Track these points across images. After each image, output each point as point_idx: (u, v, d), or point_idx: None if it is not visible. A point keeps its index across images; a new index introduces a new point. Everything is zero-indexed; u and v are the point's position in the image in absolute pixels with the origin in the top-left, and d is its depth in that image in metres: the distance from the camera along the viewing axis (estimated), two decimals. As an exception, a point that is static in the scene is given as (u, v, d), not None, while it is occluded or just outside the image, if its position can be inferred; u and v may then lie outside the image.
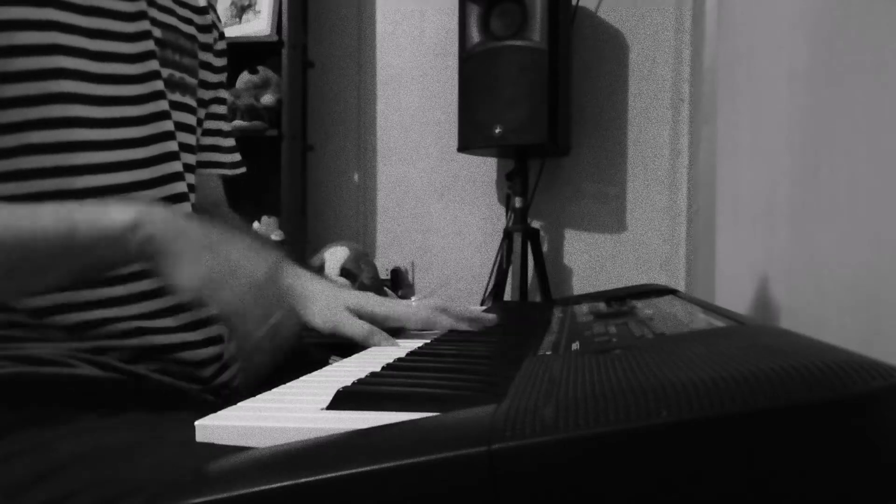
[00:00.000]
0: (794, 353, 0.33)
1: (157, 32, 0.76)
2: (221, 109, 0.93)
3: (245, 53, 2.25)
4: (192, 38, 0.84)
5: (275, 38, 2.29)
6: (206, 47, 0.88)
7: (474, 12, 2.11)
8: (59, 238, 0.58)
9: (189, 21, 0.84)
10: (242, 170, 0.97)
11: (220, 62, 0.92)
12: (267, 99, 2.29)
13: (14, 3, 0.63)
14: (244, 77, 2.28)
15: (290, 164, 2.32)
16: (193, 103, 0.83)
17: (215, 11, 0.91)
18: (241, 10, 2.36)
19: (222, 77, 0.93)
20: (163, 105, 0.75)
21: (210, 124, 0.91)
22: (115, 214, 0.59)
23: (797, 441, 0.27)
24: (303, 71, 2.43)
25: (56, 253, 0.59)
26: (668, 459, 0.28)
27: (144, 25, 0.74)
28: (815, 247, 0.89)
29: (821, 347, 0.34)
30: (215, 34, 0.90)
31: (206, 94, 0.89)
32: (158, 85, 0.75)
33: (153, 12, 0.77)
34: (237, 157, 0.96)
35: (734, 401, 0.28)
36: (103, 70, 0.70)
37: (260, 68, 2.30)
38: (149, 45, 0.74)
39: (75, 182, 0.66)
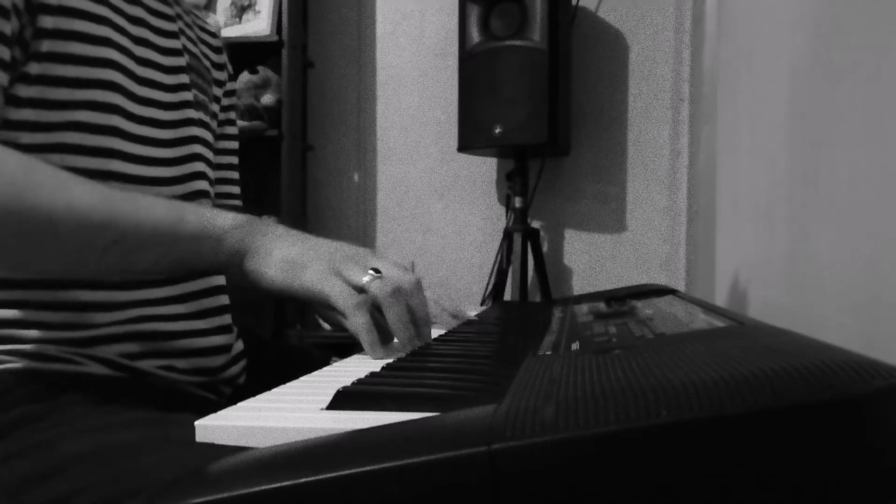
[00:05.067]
0: (794, 353, 0.33)
1: (186, 56, 0.82)
2: (233, 145, 0.99)
3: (245, 53, 2.25)
4: (208, 70, 0.90)
5: (275, 38, 2.29)
6: (219, 83, 0.95)
7: (474, 12, 2.11)
8: (169, 222, 0.61)
9: (207, 56, 0.91)
10: (241, 203, 1.02)
11: (228, 101, 0.98)
12: (267, 99, 2.29)
13: None
14: (244, 77, 2.28)
15: (290, 164, 2.32)
16: (213, 125, 0.89)
17: (228, 54, 0.99)
18: (241, 10, 2.36)
19: (230, 115, 0.99)
20: (189, 113, 0.80)
21: (223, 159, 0.96)
22: (218, 216, 0.63)
23: (797, 441, 0.27)
24: (303, 71, 2.43)
25: (162, 236, 0.61)
26: (668, 459, 0.28)
27: (178, 44, 0.81)
28: (815, 247, 0.89)
29: (821, 347, 0.34)
30: (226, 74, 0.97)
31: (217, 129, 0.94)
32: (188, 96, 0.80)
33: (183, 39, 0.83)
34: (239, 189, 1.02)
35: (734, 401, 0.28)
36: (144, 74, 0.75)
37: (260, 68, 2.30)
38: (181, 61, 0.81)
39: (110, 164, 0.70)
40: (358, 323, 0.60)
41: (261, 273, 0.62)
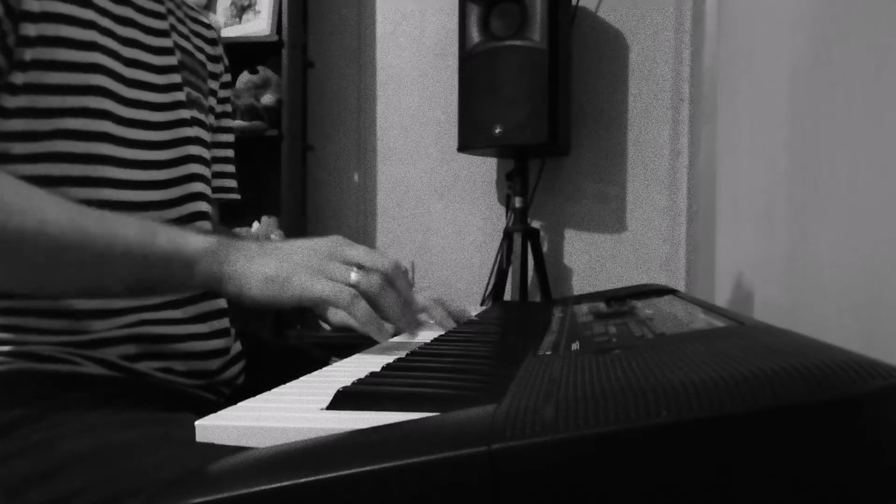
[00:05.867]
0: (794, 353, 0.33)
1: (177, 54, 0.81)
2: (229, 138, 0.98)
3: (245, 53, 2.25)
4: (203, 65, 0.89)
5: (275, 38, 2.29)
6: (214, 76, 0.94)
7: (474, 12, 2.11)
8: (140, 244, 0.61)
9: (201, 50, 0.90)
10: (238, 196, 1.01)
11: (224, 93, 0.97)
12: (267, 99, 2.29)
13: (61, 0, 0.68)
14: (244, 77, 2.28)
15: (290, 164, 2.32)
16: (209, 120, 0.88)
17: (223, 46, 0.97)
18: (241, 10, 2.36)
19: (227, 108, 0.98)
20: (183, 114, 0.79)
21: (219, 152, 0.95)
22: (191, 239, 0.62)
23: (797, 441, 0.27)
24: (303, 71, 2.43)
25: (133, 258, 0.61)
26: (668, 459, 0.28)
27: (168, 43, 0.80)
28: (815, 247, 0.89)
29: (821, 347, 0.34)
30: (222, 66, 0.96)
31: (213, 122, 0.94)
32: (180, 96, 0.79)
33: (174, 36, 0.82)
34: (235, 182, 1.01)
35: (734, 401, 0.28)
36: (133, 76, 0.74)
37: (260, 68, 2.30)
38: (172, 60, 0.80)
39: (102, 171, 0.70)
40: (360, 314, 0.60)
41: (242, 294, 0.62)
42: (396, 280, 0.64)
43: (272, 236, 2.18)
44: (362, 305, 0.60)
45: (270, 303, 0.61)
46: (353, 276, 0.61)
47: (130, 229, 0.61)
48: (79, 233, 0.59)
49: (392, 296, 0.62)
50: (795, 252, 0.97)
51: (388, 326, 0.65)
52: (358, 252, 0.64)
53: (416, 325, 0.63)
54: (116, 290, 0.64)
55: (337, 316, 0.74)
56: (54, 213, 0.59)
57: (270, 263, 0.62)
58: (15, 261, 0.59)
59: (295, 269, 0.61)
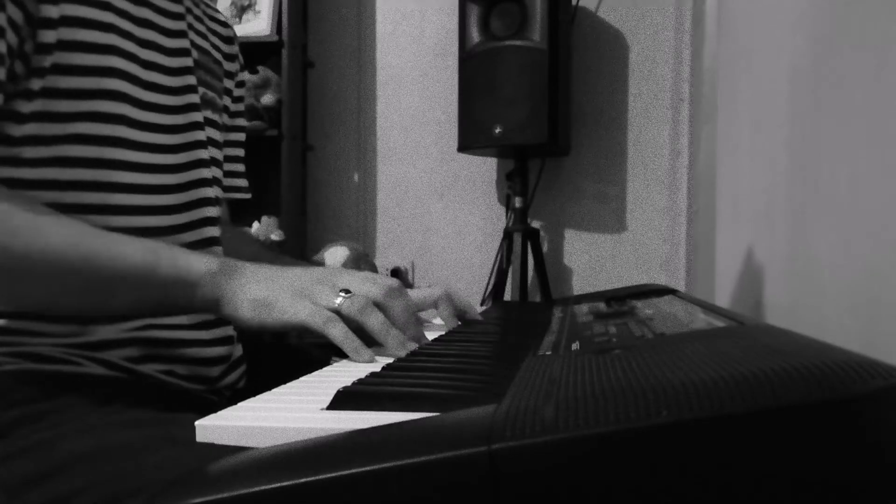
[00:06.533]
0: (794, 353, 0.33)
1: (194, 54, 0.81)
2: (241, 137, 0.99)
3: (245, 53, 2.25)
4: (219, 63, 0.89)
5: (275, 38, 2.29)
6: (230, 75, 0.94)
7: (474, 12, 2.11)
8: (143, 268, 0.61)
9: (217, 48, 0.90)
10: (249, 195, 1.02)
11: (239, 92, 0.97)
12: (267, 99, 2.29)
13: (81, 3, 0.67)
14: (244, 77, 2.28)
15: (290, 164, 2.32)
16: (223, 119, 0.88)
17: (239, 44, 0.97)
18: (241, 10, 2.36)
19: (240, 107, 0.98)
20: (196, 117, 0.79)
21: (231, 151, 0.95)
22: (193, 262, 0.63)
23: (797, 441, 0.27)
24: (303, 71, 2.43)
25: (136, 282, 0.62)
26: (668, 459, 0.28)
27: (185, 44, 0.80)
28: (815, 247, 0.89)
29: (821, 347, 0.34)
30: (237, 65, 0.97)
31: (227, 121, 0.94)
32: (194, 98, 0.79)
33: (191, 35, 0.82)
34: (246, 181, 1.01)
35: (734, 401, 0.28)
36: (149, 78, 0.74)
37: (260, 68, 2.30)
38: (187, 61, 0.80)
39: (112, 175, 0.70)
40: (335, 334, 0.58)
41: (236, 317, 0.62)
42: (389, 304, 0.62)
43: (272, 236, 2.18)
44: (338, 326, 0.58)
45: (258, 326, 0.61)
46: (338, 300, 0.60)
47: (134, 252, 0.62)
48: (83, 255, 0.60)
49: (376, 317, 0.60)
50: (795, 252, 0.97)
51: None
52: (351, 278, 0.63)
53: (403, 348, 0.60)
54: (120, 311, 0.66)
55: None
56: (59, 235, 0.60)
57: (260, 288, 0.62)
58: (21, 282, 0.60)
59: (281, 293, 0.61)
